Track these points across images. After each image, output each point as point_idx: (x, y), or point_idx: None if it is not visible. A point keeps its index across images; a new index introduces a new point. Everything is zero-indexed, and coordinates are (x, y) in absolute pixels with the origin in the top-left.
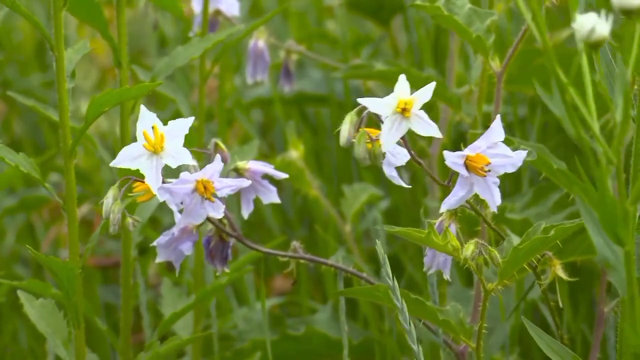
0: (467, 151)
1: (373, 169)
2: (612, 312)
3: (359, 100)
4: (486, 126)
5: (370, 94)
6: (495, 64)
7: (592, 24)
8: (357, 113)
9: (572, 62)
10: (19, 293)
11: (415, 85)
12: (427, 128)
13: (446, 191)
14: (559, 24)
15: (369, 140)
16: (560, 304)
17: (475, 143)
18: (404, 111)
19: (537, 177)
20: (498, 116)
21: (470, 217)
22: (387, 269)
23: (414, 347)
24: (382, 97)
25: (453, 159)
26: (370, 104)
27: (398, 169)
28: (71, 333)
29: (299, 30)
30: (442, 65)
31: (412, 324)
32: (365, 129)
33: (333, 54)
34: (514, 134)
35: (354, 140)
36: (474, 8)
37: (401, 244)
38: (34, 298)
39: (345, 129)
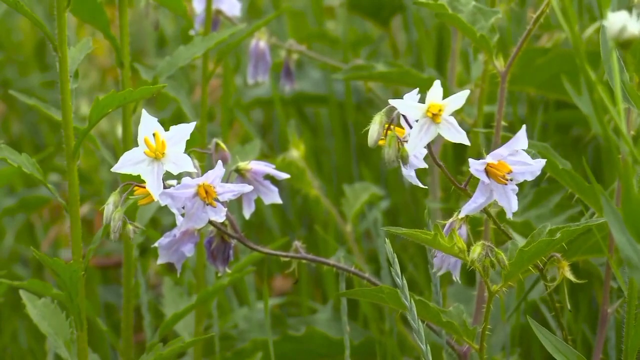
0: (489, 159)
1: (373, 169)
2: (615, 312)
3: (390, 101)
4: (488, 126)
5: (371, 94)
6: (499, 64)
7: (623, 23)
8: (386, 114)
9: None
10: (21, 293)
11: (416, 86)
12: (456, 135)
13: (449, 191)
14: (555, 25)
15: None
16: (568, 305)
17: (498, 151)
18: (434, 116)
19: (538, 179)
20: (524, 126)
21: (473, 218)
22: (397, 268)
23: (423, 347)
24: (411, 99)
25: (476, 166)
26: (401, 105)
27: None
28: (73, 334)
29: (298, 31)
30: (443, 66)
31: (420, 324)
32: (395, 131)
33: (333, 53)
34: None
35: (382, 140)
36: (479, 6)
37: (401, 243)
38: (36, 298)
39: (375, 129)
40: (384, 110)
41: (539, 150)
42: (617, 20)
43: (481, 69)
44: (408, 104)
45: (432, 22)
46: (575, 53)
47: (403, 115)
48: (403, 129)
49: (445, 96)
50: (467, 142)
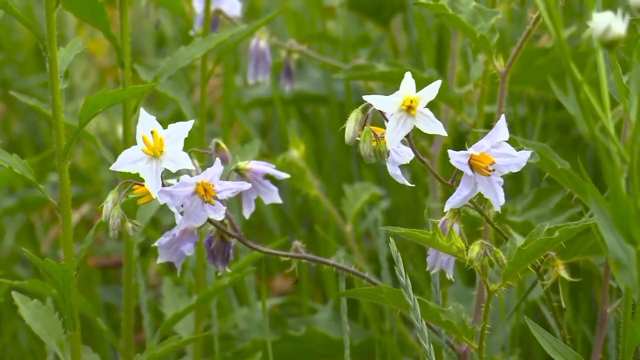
0: (472, 150)
1: (373, 169)
2: (614, 312)
3: (365, 97)
4: (488, 126)
5: (371, 93)
6: (499, 64)
7: (607, 23)
8: (362, 110)
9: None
10: (14, 294)
11: (417, 86)
12: (432, 126)
13: (449, 191)
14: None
15: (374, 138)
16: (564, 305)
17: (479, 142)
18: (409, 109)
19: (538, 179)
20: (502, 116)
21: (473, 218)
22: (401, 267)
23: (426, 346)
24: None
25: (457, 158)
26: (376, 101)
27: (400, 168)
28: (66, 334)
29: (299, 30)
30: (443, 66)
31: (424, 324)
32: (371, 127)
33: (333, 53)
34: (515, 134)
35: (359, 138)
36: (479, 6)
37: (401, 243)
38: (28, 299)
39: (351, 126)
40: (360, 107)
41: (538, 150)
42: (602, 21)
43: (481, 69)
44: (382, 99)
45: (432, 22)
46: (560, 53)
47: (382, 112)
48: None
49: (446, 96)
50: (443, 133)
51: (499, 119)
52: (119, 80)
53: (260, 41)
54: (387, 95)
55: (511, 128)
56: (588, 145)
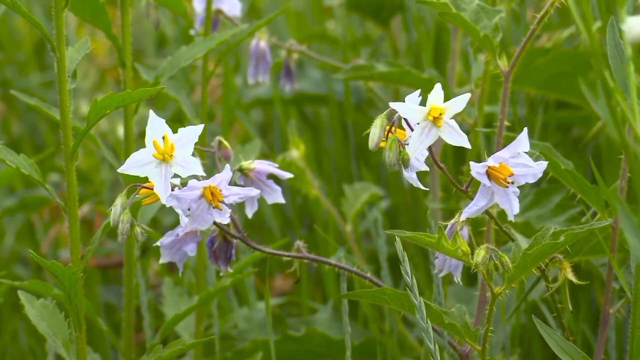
0: (491, 161)
1: (373, 169)
2: (617, 313)
3: (391, 104)
4: (489, 126)
5: (371, 94)
6: (503, 63)
7: None
8: (386, 117)
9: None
10: (20, 293)
11: (416, 86)
12: (458, 138)
13: (449, 192)
14: (555, 25)
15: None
16: (570, 307)
17: (499, 153)
18: (435, 119)
19: (538, 179)
20: (525, 128)
21: (474, 218)
22: (407, 267)
23: (431, 346)
24: (412, 101)
25: (477, 169)
26: (402, 109)
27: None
28: (72, 334)
29: (299, 30)
30: (443, 66)
31: (429, 324)
32: (396, 134)
33: (333, 53)
34: None
35: (383, 143)
36: (482, 5)
37: (401, 243)
38: (34, 299)
39: (375, 132)
40: (384, 113)
41: (541, 150)
42: (636, 24)
43: (481, 69)
44: (409, 107)
45: (432, 22)
46: (592, 55)
47: (404, 118)
48: (404, 130)
49: (446, 96)
50: (468, 146)
51: (502, 118)
52: (120, 80)
53: (261, 41)
54: (387, 95)
55: (511, 128)
56: (588, 146)
